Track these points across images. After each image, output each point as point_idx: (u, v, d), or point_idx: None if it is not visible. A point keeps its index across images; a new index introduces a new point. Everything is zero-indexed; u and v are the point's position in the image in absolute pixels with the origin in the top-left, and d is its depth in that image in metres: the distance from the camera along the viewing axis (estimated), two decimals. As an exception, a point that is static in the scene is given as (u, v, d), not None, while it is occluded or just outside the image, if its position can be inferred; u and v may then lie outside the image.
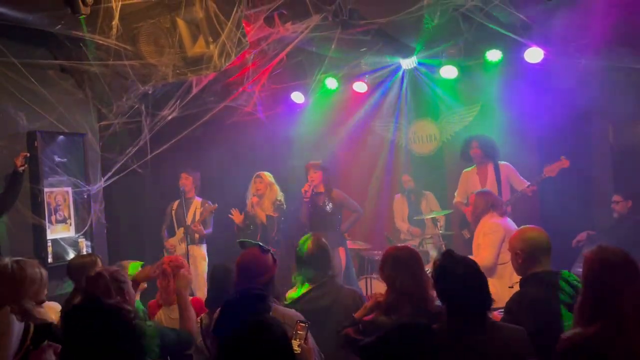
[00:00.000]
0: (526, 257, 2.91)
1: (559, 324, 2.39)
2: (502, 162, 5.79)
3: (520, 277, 2.99)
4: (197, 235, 6.53)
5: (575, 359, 2.12)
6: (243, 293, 2.66)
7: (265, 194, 6.32)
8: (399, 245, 3.11)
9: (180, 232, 6.56)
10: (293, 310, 2.90)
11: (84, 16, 4.04)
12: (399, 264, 2.87)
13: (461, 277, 2.36)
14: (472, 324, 2.33)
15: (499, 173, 5.73)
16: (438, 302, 2.89)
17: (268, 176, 6.40)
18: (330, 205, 5.95)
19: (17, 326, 2.28)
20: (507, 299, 2.91)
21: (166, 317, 3.66)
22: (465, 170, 6.04)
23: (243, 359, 1.78)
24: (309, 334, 2.57)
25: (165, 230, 6.74)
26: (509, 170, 5.76)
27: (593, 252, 2.37)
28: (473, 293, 2.34)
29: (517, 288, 2.96)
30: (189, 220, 6.46)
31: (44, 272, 3.07)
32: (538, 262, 2.90)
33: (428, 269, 5.23)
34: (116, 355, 1.97)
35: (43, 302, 3.11)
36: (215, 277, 3.59)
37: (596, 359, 2.04)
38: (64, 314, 2.12)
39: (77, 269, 3.88)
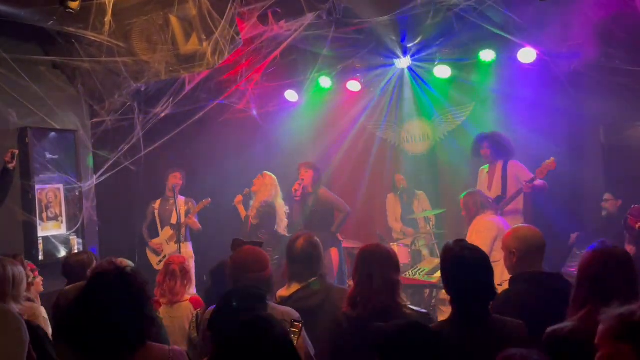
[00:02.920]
0: (521, 256, 2.90)
1: (547, 323, 2.39)
2: (513, 161, 5.70)
3: (510, 275, 2.99)
4: (182, 230, 6.43)
5: (560, 349, 2.13)
6: (240, 290, 2.64)
7: (257, 194, 6.03)
8: (372, 243, 3.03)
9: (166, 231, 6.50)
10: (289, 308, 2.88)
11: (72, 11, 4.00)
12: (365, 261, 2.81)
13: (471, 265, 2.41)
14: (477, 316, 2.37)
15: (506, 172, 5.66)
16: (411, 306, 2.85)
17: (267, 178, 6.02)
18: (319, 205, 5.83)
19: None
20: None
21: (167, 315, 3.65)
22: (481, 167, 5.99)
23: (245, 357, 1.76)
24: (303, 333, 2.57)
25: (146, 229, 6.62)
26: (518, 169, 5.64)
27: (593, 249, 2.39)
28: (480, 284, 2.39)
29: (506, 286, 2.96)
30: (175, 219, 6.33)
31: (25, 271, 3.07)
32: (531, 261, 2.89)
33: (421, 267, 5.30)
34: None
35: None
36: (220, 272, 3.56)
37: (579, 347, 2.03)
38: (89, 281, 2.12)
39: (74, 267, 3.86)
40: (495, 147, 5.69)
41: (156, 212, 6.56)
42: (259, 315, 1.96)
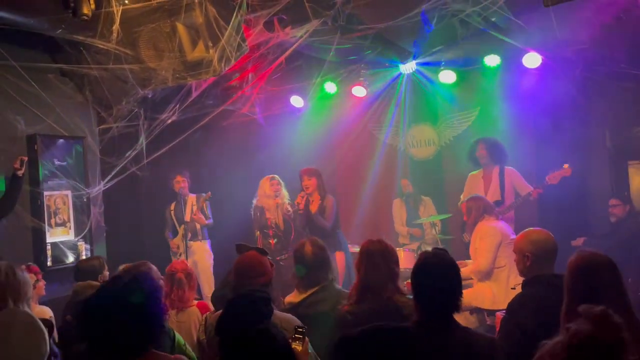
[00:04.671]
0: (535, 259, 2.90)
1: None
2: (508, 167, 5.76)
3: (522, 278, 2.99)
4: (198, 227, 6.51)
5: None
6: (247, 295, 2.66)
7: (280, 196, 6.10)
8: (374, 239, 3.11)
9: (181, 230, 6.58)
10: (290, 315, 2.90)
11: (85, 19, 4.05)
12: (365, 257, 2.96)
13: (434, 275, 2.38)
14: (437, 324, 2.33)
15: (503, 177, 5.70)
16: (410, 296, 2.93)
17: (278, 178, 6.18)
18: (324, 212, 5.71)
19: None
20: (504, 301, 2.92)
21: (174, 320, 3.67)
22: (471, 173, 6.01)
23: None
24: (307, 339, 2.57)
25: (169, 232, 6.75)
26: (514, 175, 5.71)
27: (573, 257, 2.40)
28: (442, 292, 2.35)
29: (519, 290, 2.96)
30: (187, 216, 6.47)
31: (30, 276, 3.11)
32: (545, 265, 2.90)
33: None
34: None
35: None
36: (226, 278, 3.58)
37: None
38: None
39: (86, 272, 3.91)
40: (491, 150, 5.72)
41: (172, 213, 6.67)
42: (260, 326, 1.99)
